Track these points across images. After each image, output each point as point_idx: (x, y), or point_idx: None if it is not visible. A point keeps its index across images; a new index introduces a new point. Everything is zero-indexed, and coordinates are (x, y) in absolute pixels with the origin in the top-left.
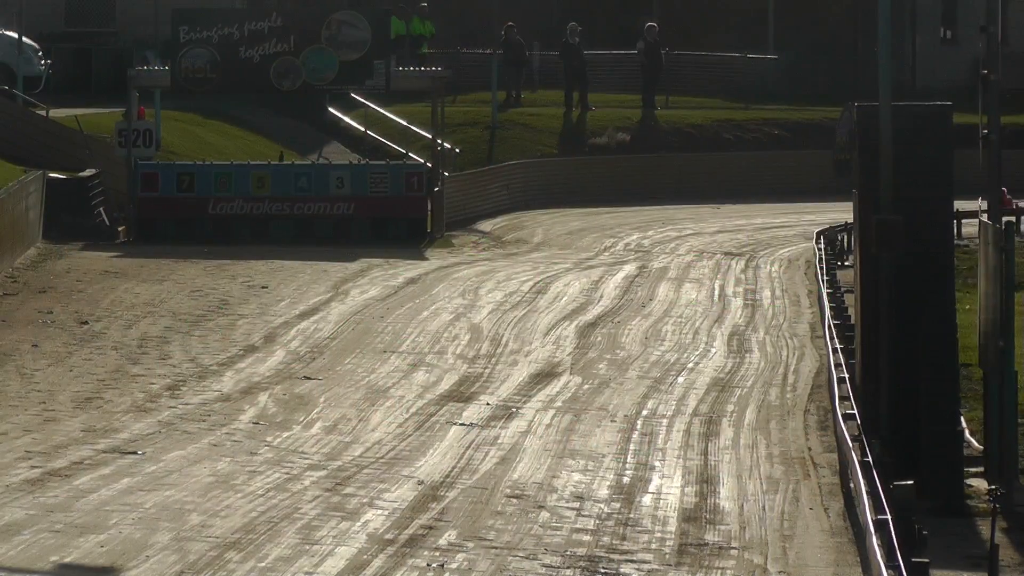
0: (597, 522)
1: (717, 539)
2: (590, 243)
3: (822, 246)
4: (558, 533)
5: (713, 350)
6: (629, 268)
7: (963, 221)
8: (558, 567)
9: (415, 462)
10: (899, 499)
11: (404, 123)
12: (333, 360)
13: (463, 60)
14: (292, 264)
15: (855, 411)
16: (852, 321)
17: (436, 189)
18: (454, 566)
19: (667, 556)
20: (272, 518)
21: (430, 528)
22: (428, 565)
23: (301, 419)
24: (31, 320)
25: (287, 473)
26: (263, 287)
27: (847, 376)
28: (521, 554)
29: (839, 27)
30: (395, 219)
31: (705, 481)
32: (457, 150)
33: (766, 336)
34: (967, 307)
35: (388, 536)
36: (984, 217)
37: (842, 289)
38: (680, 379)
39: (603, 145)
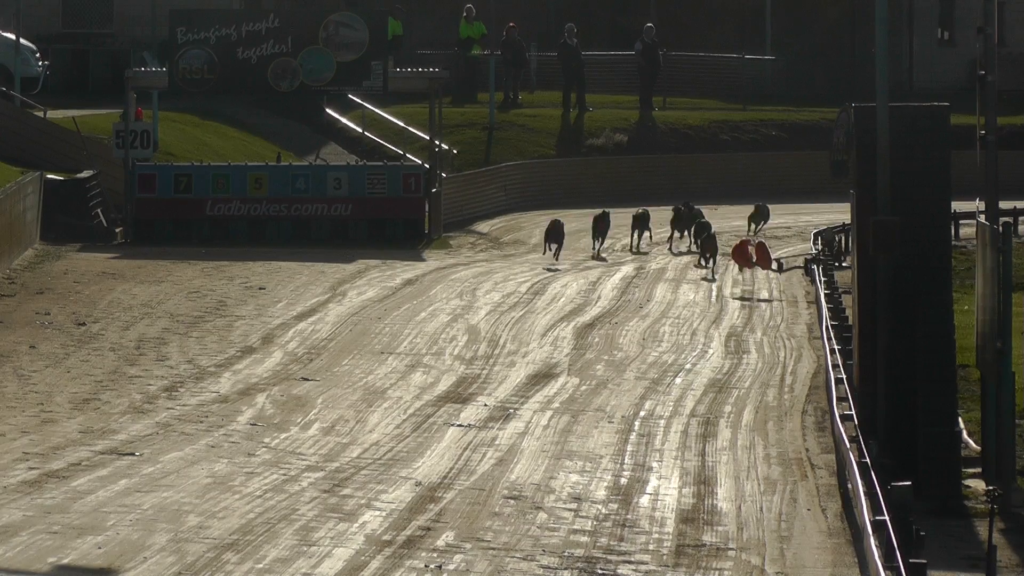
0: (595, 523)
1: (715, 540)
2: (587, 244)
3: (819, 247)
4: (556, 534)
5: (711, 351)
6: (627, 269)
7: (961, 222)
8: (556, 568)
9: (413, 463)
10: (897, 500)
11: (401, 124)
12: (331, 361)
13: (460, 61)
14: (290, 265)
15: (853, 412)
16: (850, 322)
17: (434, 190)
18: (452, 567)
19: (665, 557)
20: (270, 519)
21: (428, 529)
22: (426, 566)
23: (299, 420)
24: (29, 321)
25: (285, 474)
26: (261, 288)
27: (845, 377)
28: (519, 555)
29: (836, 28)
30: (393, 220)
31: (703, 482)
32: (454, 151)
33: (764, 337)
34: (965, 308)
35: (386, 537)
36: (982, 218)
37: (840, 290)
38: (678, 380)
39: (600, 146)
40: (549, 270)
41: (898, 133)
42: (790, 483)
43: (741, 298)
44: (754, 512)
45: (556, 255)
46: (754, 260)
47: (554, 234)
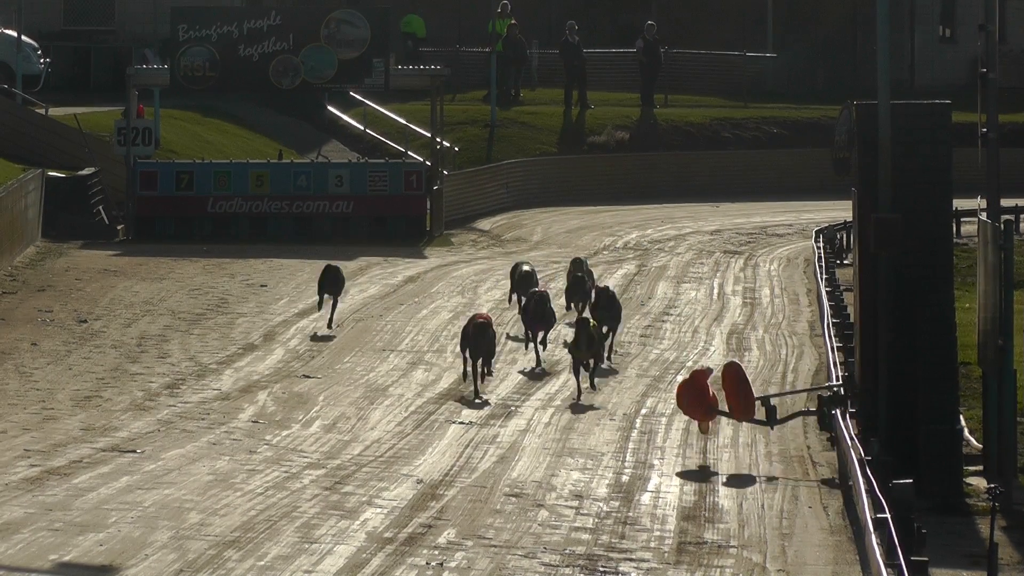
0: (596, 520)
1: (716, 537)
2: (589, 241)
3: (821, 244)
4: (557, 532)
5: (712, 348)
6: (628, 266)
7: (962, 219)
8: (557, 565)
9: (414, 460)
10: (898, 497)
11: (403, 121)
12: (332, 359)
13: (462, 58)
14: (291, 263)
15: (854, 409)
16: (851, 320)
17: (435, 187)
18: (453, 564)
19: (666, 555)
20: (271, 516)
21: (429, 527)
22: (427, 564)
23: (300, 418)
24: (30, 319)
25: (286, 472)
26: (262, 286)
27: (846, 375)
28: (520, 552)
29: (838, 25)
30: (394, 217)
31: (704, 480)
32: (456, 148)
33: (765, 335)
34: (966, 306)
35: (387, 535)
36: (983, 216)
37: (841, 287)
38: (679, 377)
39: (602, 143)
40: (315, 340)
41: (900, 130)
42: (791, 481)
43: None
44: (755, 509)
45: (332, 312)
46: (722, 405)
47: (330, 281)
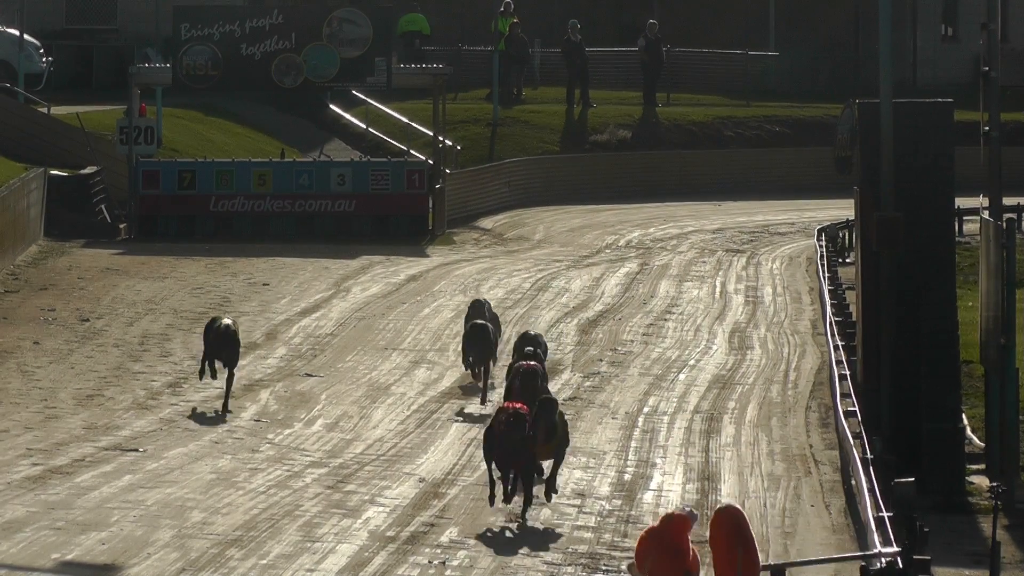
0: (598, 519)
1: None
2: (591, 240)
3: (823, 243)
4: (559, 530)
5: (714, 347)
6: (630, 265)
7: (964, 218)
8: (559, 564)
9: (416, 459)
10: (900, 496)
11: (405, 120)
12: (334, 357)
13: (464, 57)
14: (293, 261)
15: (856, 408)
16: (853, 318)
17: (437, 186)
18: (455, 563)
19: None
20: (273, 515)
21: (432, 525)
22: (429, 562)
23: (303, 416)
24: (32, 317)
25: (288, 470)
26: (264, 284)
27: (848, 373)
28: (522, 551)
29: (840, 24)
30: (396, 216)
31: (706, 478)
32: (458, 147)
33: (767, 333)
34: (968, 304)
35: (389, 533)
36: (985, 214)
37: (843, 286)
38: (681, 376)
39: (604, 142)
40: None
41: (902, 129)
42: (794, 479)
43: None
44: (758, 508)
45: (227, 387)
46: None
47: (220, 344)
